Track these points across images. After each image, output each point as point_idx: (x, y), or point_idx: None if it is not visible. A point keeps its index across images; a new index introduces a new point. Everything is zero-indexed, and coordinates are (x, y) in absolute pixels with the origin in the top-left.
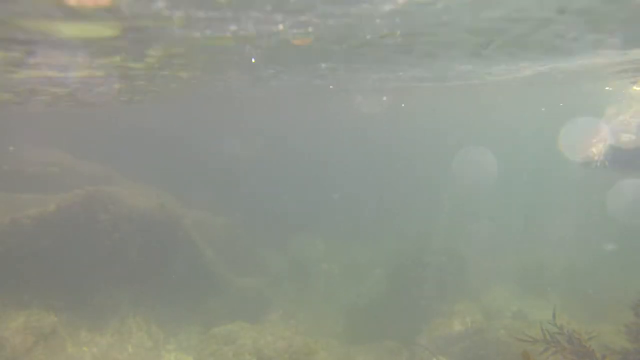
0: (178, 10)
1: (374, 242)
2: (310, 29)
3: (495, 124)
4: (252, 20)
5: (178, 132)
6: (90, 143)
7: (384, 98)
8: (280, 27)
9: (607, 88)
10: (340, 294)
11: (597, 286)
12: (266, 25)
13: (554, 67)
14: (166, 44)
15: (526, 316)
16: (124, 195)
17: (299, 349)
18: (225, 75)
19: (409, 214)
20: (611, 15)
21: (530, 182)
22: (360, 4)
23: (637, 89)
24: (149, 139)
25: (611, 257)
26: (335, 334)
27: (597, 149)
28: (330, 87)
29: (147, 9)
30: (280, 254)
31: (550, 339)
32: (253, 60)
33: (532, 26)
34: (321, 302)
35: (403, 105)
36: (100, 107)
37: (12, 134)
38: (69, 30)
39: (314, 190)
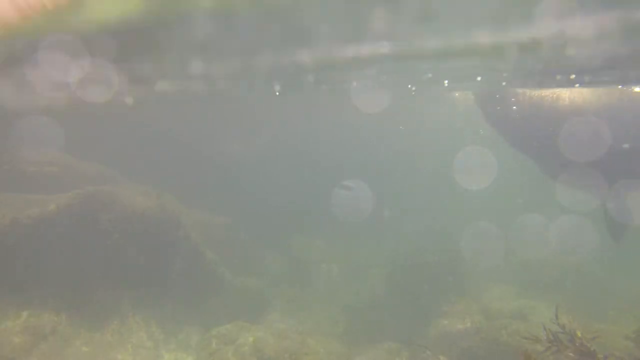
0: None
1: (374, 242)
2: None
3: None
4: None
5: (178, 132)
6: (90, 143)
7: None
8: None
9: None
10: (340, 294)
11: (596, 287)
12: None
13: None
14: None
15: (526, 316)
16: (124, 195)
17: (299, 349)
18: None
19: (409, 213)
20: None
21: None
22: None
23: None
24: (150, 139)
25: (611, 257)
26: (335, 334)
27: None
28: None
29: None
30: (280, 254)
31: (553, 337)
32: None
33: None
34: (321, 302)
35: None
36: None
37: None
38: None
39: (313, 190)
